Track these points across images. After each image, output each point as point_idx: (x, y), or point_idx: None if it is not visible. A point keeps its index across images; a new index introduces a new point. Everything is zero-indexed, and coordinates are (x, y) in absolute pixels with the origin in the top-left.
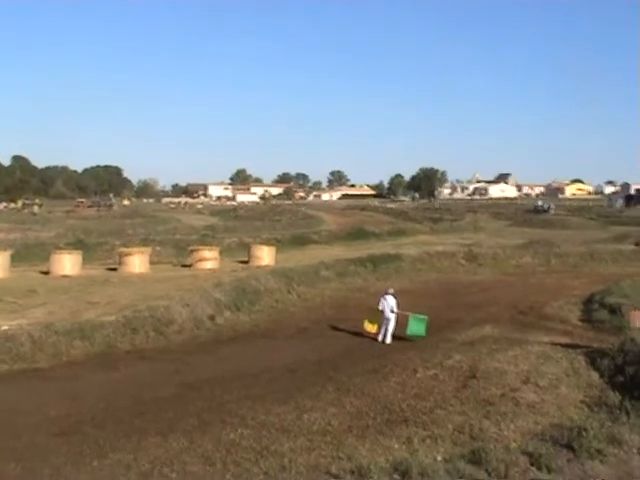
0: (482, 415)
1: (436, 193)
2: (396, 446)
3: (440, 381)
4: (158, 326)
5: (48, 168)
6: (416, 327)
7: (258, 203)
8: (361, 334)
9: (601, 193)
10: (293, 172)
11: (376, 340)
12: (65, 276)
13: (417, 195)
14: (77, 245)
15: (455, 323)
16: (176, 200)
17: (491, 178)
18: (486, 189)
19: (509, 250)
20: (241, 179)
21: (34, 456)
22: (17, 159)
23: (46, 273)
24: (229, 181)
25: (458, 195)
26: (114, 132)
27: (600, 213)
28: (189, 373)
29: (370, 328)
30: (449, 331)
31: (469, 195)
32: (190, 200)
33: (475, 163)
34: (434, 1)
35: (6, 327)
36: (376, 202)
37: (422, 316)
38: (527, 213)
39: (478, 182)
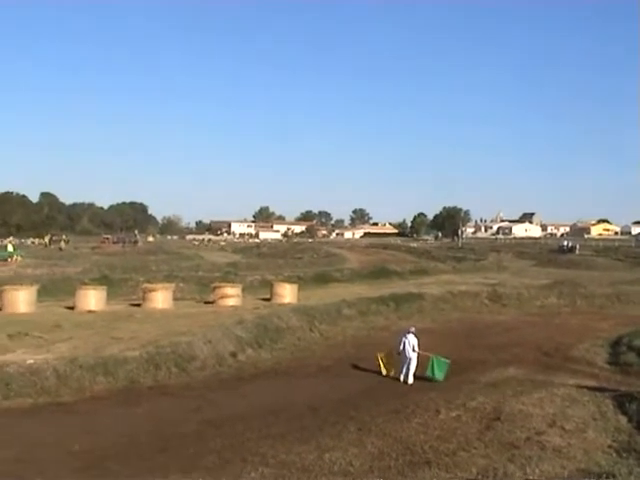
0: (507, 458)
1: (459, 232)
2: None
3: (463, 423)
4: (180, 362)
5: (75, 205)
6: (437, 370)
7: (281, 241)
8: (383, 375)
9: (628, 233)
10: (316, 210)
11: (398, 380)
12: (90, 311)
13: (440, 234)
14: (102, 281)
15: (478, 364)
16: (200, 237)
17: (515, 217)
18: (510, 228)
19: (534, 290)
20: (264, 217)
21: None
22: (45, 196)
23: (71, 308)
24: (252, 218)
25: (482, 234)
26: (139, 169)
27: (627, 254)
28: (211, 410)
29: (384, 370)
30: (472, 372)
31: (493, 234)
32: (213, 237)
33: (499, 202)
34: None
35: (32, 361)
36: (398, 241)
37: (444, 359)
38: (552, 253)
39: (502, 221)
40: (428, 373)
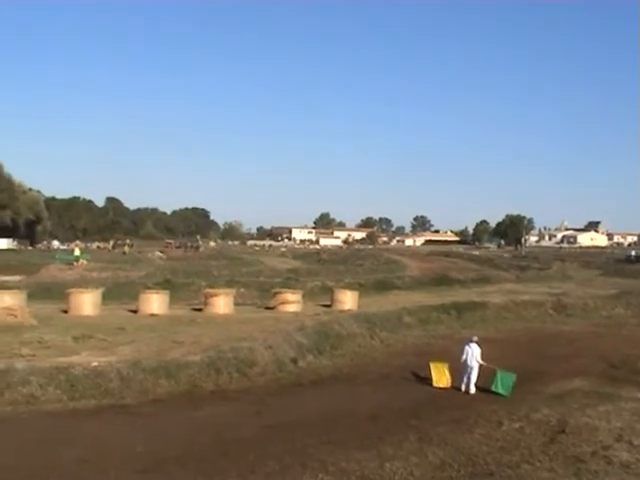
0: (572, 473)
1: (523, 240)
2: None
3: (527, 435)
4: (241, 367)
5: (139, 210)
6: (501, 385)
7: (341, 247)
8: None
9: None
10: (376, 217)
11: (458, 390)
12: (153, 315)
13: (503, 242)
14: (165, 285)
15: (542, 375)
16: (260, 243)
17: (580, 226)
18: (575, 237)
19: (600, 300)
20: (324, 223)
21: None
22: (110, 201)
23: (135, 312)
24: (313, 225)
25: (545, 243)
26: (202, 175)
27: None
28: (271, 415)
29: (440, 382)
30: (536, 383)
31: (557, 243)
32: (274, 243)
33: (563, 210)
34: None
35: (96, 363)
36: (460, 249)
37: (511, 374)
38: (619, 262)
39: (566, 230)
40: (493, 387)
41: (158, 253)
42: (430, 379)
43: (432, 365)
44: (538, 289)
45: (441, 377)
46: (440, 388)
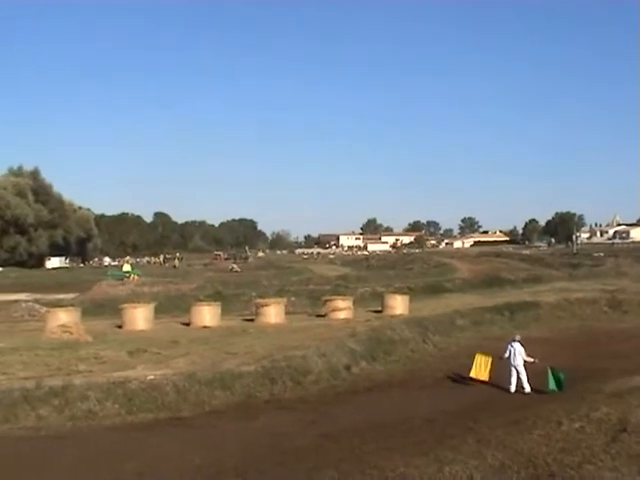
0: (636, 471)
1: (574, 238)
2: None
3: (587, 434)
4: (295, 376)
5: (187, 223)
6: (552, 383)
7: (389, 252)
8: (499, 385)
9: None
10: (424, 220)
11: (506, 390)
12: (205, 327)
13: (553, 240)
14: (215, 297)
15: (600, 373)
16: (309, 251)
17: (633, 220)
18: (627, 232)
19: None
20: (372, 229)
21: None
22: (159, 215)
23: (187, 324)
24: (360, 231)
25: (597, 239)
26: (248, 186)
27: None
28: (326, 423)
29: (478, 374)
30: (594, 381)
31: (609, 239)
32: (322, 251)
33: (615, 205)
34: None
35: (152, 377)
36: (510, 248)
37: (560, 372)
38: None
39: (618, 225)
40: (547, 386)
41: (234, 265)
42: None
43: (477, 356)
44: (591, 286)
45: (480, 369)
46: (492, 384)
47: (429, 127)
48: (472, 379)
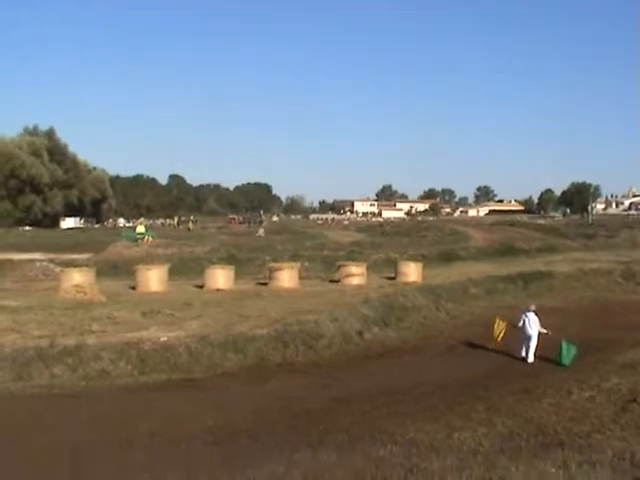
0: None
1: (589, 208)
2: (552, 470)
3: (597, 404)
4: (308, 340)
5: (202, 186)
6: (564, 356)
7: (404, 219)
8: (510, 354)
9: None
10: (439, 188)
11: (518, 358)
12: (218, 290)
13: (568, 211)
14: (229, 260)
15: (612, 344)
16: (323, 216)
17: None
18: None
19: None
20: (387, 195)
21: (192, 463)
22: (173, 178)
23: (200, 287)
24: (375, 197)
25: (613, 210)
26: (264, 150)
27: None
28: (338, 388)
29: (497, 336)
30: (606, 352)
31: (625, 210)
32: (337, 216)
33: (631, 177)
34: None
35: (165, 338)
36: (525, 218)
37: (572, 346)
38: None
39: (634, 196)
40: (557, 358)
41: (261, 230)
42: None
43: (498, 321)
44: (606, 257)
45: (498, 332)
46: (504, 352)
47: (444, 96)
48: (483, 347)
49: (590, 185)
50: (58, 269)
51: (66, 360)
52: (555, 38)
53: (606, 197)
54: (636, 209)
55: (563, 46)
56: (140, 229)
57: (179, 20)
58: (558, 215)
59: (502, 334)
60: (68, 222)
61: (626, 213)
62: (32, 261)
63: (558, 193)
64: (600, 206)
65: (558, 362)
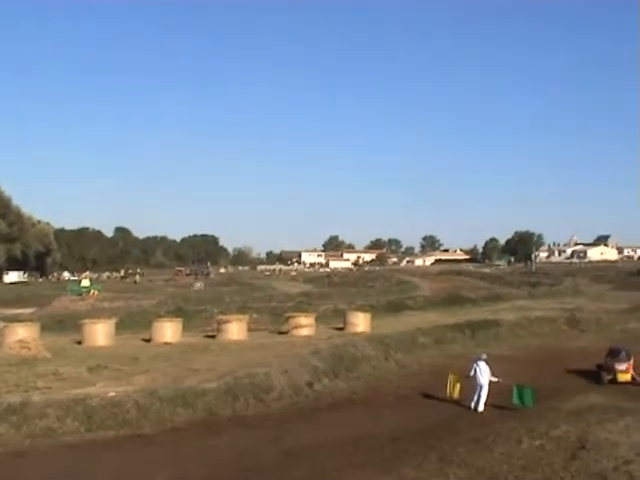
0: None
1: (533, 257)
2: None
3: (547, 452)
4: (258, 393)
5: (148, 238)
6: (526, 397)
7: (351, 269)
8: (461, 403)
9: None
10: (385, 238)
11: (469, 408)
12: (166, 343)
13: (512, 259)
14: (177, 313)
15: (559, 391)
16: (271, 267)
17: (590, 240)
18: (585, 252)
19: (613, 315)
20: (333, 246)
21: None
22: (119, 231)
23: (148, 340)
24: (322, 248)
25: (555, 258)
26: (209, 202)
27: None
28: (290, 440)
29: (449, 391)
30: (553, 400)
31: (567, 258)
32: (284, 267)
33: (572, 225)
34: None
35: (113, 394)
36: (470, 267)
37: (527, 387)
38: (631, 276)
39: (576, 245)
40: (515, 401)
41: (199, 283)
42: (446, 391)
43: (450, 376)
44: (550, 305)
45: (454, 389)
46: (455, 402)
47: (389, 148)
48: (433, 397)
49: (533, 234)
50: (1, 324)
51: (10, 418)
52: (487, 92)
53: (549, 245)
54: (578, 257)
55: (499, 96)
56: (85, 283)
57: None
58: (503, 264)
59: (458, 389)
60: (11, 276)
61: (569, 261)
62: None
63: (502, 242)
64: (543, 254)
65: (520, 406)
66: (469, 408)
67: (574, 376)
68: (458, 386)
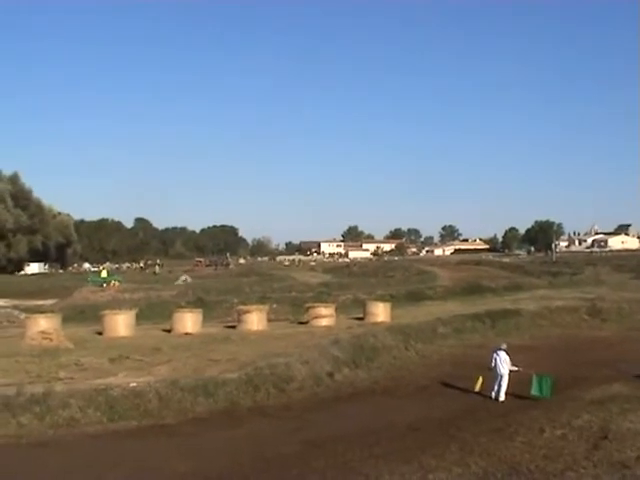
0: (617, 479)
1: (553, 246)
2: None
3: (569, 442)
4: (278, 383)
5: (168, 229)
6: (544, 388)
7: (371, 259)
8: (482, 393)
9: None
10: (405, 228)
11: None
12: (187, 334)
13: (533, 249)
14: (197, 303)
15: (581, 381)
16: (290, 258)
17: (610, 229)
18: (605, 241)
19: (634, 304)
20: (353, 236)
21: None
22: (139, 221)
23: (168, 331)
24: (341, 238)
25: (576, 248)
26: (229, 193)
27: None
28: (310, 430)
29: (477, 386)
30: (575, 389)
31: (587, 247)
32: (303, 258)
33: (593, 214)
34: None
35: (134, 384)
36: (490, 256)
37: (547, 376)
38: None
39: (597, 234)
40: (533, 392)
41: (183, 277)
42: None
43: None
44: (571, 294)
45: (477, 383)
46: (475, 392)
47: (410, 137)
48: (454, 386)
49: (553, 223)
50: (23, 315)
51: (33, 408)
52: (519, 79)
53: (569, 235)
54: (598, 246)
55: (524, 84)
56: (103, 274)
57: (143, 56)
58: (522, 253)
59: (481, 382)
60: (32, 267)
61: (589, 250)
62: None
63: (522, 231)
64: (563, 244)
65: (538, 397)
66: (490, 398)
67: (596, 365)
68: (481, 379)
